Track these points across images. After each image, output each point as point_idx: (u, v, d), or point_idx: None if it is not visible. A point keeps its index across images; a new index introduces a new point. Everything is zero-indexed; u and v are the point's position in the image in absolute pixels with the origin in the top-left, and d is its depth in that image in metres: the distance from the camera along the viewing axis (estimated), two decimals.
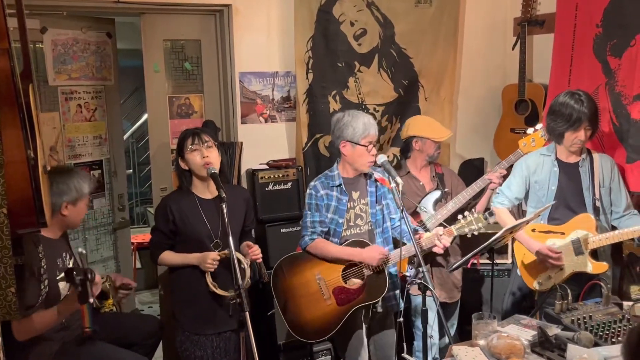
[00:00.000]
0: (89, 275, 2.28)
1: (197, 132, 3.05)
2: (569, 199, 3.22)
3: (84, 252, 2.42)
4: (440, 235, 2.99)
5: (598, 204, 3.20)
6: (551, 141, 3.33)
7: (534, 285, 3.30)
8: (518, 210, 3.51)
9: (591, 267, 3.14)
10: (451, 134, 3.75)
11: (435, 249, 3.02)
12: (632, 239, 3.22)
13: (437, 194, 3.70)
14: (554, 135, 3.23)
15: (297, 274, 3.15)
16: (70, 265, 2.77)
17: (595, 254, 3.18)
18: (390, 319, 3.30)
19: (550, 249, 3.14)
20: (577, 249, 3.15)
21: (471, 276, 3.93)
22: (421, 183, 3.71)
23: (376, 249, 3.06)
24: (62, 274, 2.46)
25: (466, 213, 3.04)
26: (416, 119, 3.88)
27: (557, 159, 3.28)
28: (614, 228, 3.24)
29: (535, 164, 3.32)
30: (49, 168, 2.26)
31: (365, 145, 3.05)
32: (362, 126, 3.05)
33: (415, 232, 3.10)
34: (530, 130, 3.52)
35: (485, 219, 2.96)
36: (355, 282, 3.12)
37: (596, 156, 3.27)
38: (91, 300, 2.27)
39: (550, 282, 3.23)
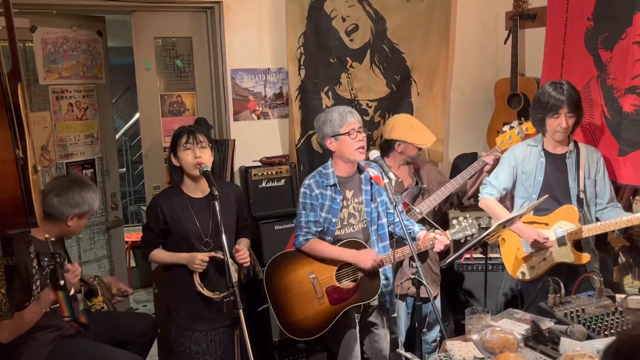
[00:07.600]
0: (58, 259, 2.28)
1: (193, 131, 3.02)
2: (555, 189, 3.25)
3: (53, 238, 2.41)
4: (436, 238, 3.02)
5: (582, 195, 3.22)
6: (537, 133, 3.36)
7: (517, 275, 3.33)
8: (511, 203, 3.52)
9: (573, 257, 3.17)
10: (434, 139, 3.72)
11: (435, 248, 3.05)
12: (612, 231, 3.29)
13: (414, 190, 3.71)
14: (537, 123, 3.28)
15: (290, 272, 3.13)
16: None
17: (578, 245, 3.21)
18: (384, 314, 3.30)
19: (539, 234, 3.18)
20: (560, 240, 3.17)
21: (465, 271, 3.93)
22: (400, 179, 3.71)
23: (370, 254, 3.04)
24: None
25: (460, 218, 3.06)
26: (401, 120, 3.78)
27: (543, 149, 3.30)
28: (597, 220, 3.26)
29: (523, 155, 3.34)
30: (39, 168, 2.25)
31: (347, 133, 3.03)
32: (337, 116, 3.05)
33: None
34: (506, 128, 3.54)
35: (479, 225, 2.98)
36: (348, 285, 3.11)
37: (583, 149, 3.29)
38: (62, 282, 2.26)
39: (534, 272, 3.27)
